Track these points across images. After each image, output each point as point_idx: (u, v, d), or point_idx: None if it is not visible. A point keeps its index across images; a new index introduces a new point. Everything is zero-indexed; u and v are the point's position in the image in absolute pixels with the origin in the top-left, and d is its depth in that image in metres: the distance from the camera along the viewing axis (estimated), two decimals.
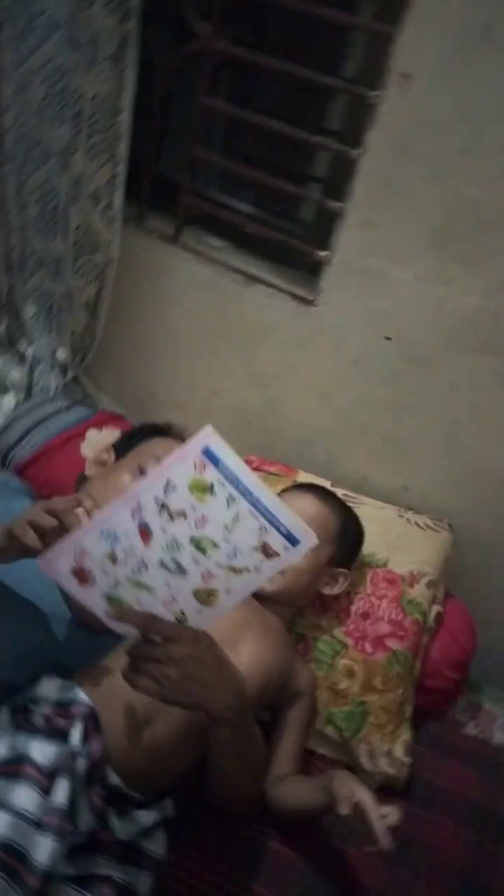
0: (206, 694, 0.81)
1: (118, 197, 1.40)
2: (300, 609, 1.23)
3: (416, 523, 1.39)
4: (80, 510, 0.85)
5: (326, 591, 1.19)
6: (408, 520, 1.39)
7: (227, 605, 0.77)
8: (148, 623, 0.80)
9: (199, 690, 0.81)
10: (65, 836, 0.83)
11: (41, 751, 0.87)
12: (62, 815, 0.83)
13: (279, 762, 1.06)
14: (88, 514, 0.85)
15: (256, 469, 1.48)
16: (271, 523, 0.70)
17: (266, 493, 0.70)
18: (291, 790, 1.03)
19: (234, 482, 0.69)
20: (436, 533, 1.38)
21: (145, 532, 0.74)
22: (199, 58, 1.34)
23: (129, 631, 0.83)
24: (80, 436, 1.54)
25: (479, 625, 1.40)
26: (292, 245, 1.40)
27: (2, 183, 1.50)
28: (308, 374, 1.47)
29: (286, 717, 1.10)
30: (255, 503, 0.70)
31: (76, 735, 0.90)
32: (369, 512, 1.38)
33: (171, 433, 1.34)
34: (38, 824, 0.81)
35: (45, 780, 0.85)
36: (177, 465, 0.70)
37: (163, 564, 0.75)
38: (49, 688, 0.98)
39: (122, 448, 1.32)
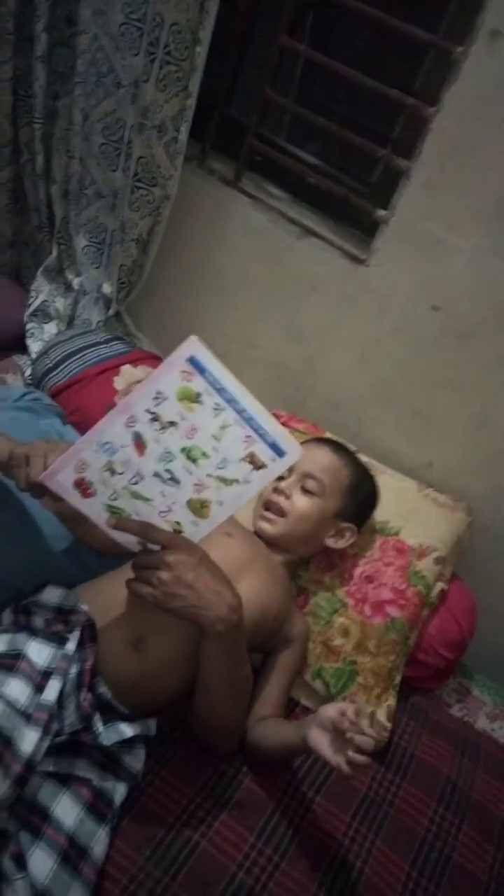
0: (197, 600, 0.84)
1: (184, 131, 1.39)
2: (303, 558, 1.23)
3: (435, 500, 1.38)
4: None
5: (331, 543, 1.19)
6: (426, 495, 1.38)
7: (220, 516, 0.80)
8: (144, 530, 0.83)
9: (190, 595, 0.84)
10: (50, 733, 0.87)
11: (38, 651, 0.93)
12: (50, 713, 0.87)
13: (263, 703, 1.08)
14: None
15: (284, 424, 1.47)
16: (257, 432, 0.72)
17: (252, 403, 0.71)
18: (270, 729, 1.05)
19: (221, 391, 0.71)
20: (452, 512, 1.37)
21: (140, 443, 0.76)
22: None
23: (128, 540, 0.86)
24: (115, 370, 1.56)
25: (483, 613, 1.39)
26: (352, 201, 1.38)
27: (68, 108, 1.50)
28: (349, 336, 1.46)
29: (276, 660, 1.11)
30: (240, 412, 0.72)
31: (73, 641, 0.94)
32: (388, 481, 1.37)
33: None
34: (27, 717, 0.86)
35: (39, 678, 0.90)
36: (165, 375, 0.72)
37: (157, 475, 0.78)
38: (52, 595, 1.02)
39: None
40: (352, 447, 1.43)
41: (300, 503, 1.15)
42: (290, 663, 1.12)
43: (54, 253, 1.71)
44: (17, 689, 0.88)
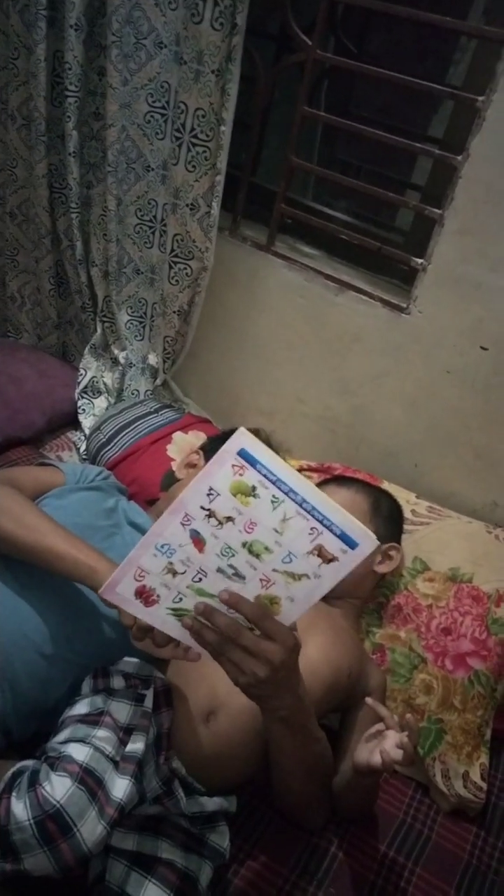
0: (270, 692, 0.79)
1: (216, 206, 1.44)
2: (362, 599, 1.22)
3: None
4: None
5: (382, 569, 1.19)
6: (496, 536, 1.34)
7: (293, 614, 0.75)
8: (258, 615, 0.73)
9: (268, 689, 0.78)
10: (140, 782, 0.87)
11: (118, 710, 0.93)
12: (137, 762, 0.87)
13: (346, 763, 1.05)
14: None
15: (340, 475, 1.47)
16: (322, 524, 0.68)
17: (312, 492, 0.67)
18: (338, 780, 1.02)
19: (276, 482, 0.67)
20: None
21: (198, 540, 0.73)
22: (302, 69, 1.36)
23: (192, 643, 0.80)
24: (167, 438, 1.58)
25: None
26: (387, 253, 1.39)
27: (102, 196, 1.58)
28: (397, 383, 1.46)
29: (355, 718, 1.08)
30: (301, 503, 0.67)
31: (149, 699, 0.95)
32: (455, 525, 1.35)
33: (258, 438, 1.35)
34: (115, 763, 0.87)
35: (122, 733, 0.91)
36: (216, 470, 0.69)
37: (220, 570, 0.74)
38: (128, 665, 1.03)
39: (212, 452, 1.33)
40: (411, 494, 1.42)
41: None
42: (369, 718, 1.09)
43: (99, 330, 1.77)
44: (105, 738, 0.89)
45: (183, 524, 0.72)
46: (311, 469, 1.50)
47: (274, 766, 0.96)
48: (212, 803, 0.96)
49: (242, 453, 0.67)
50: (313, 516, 0.68)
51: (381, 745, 0.87)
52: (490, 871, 1.05)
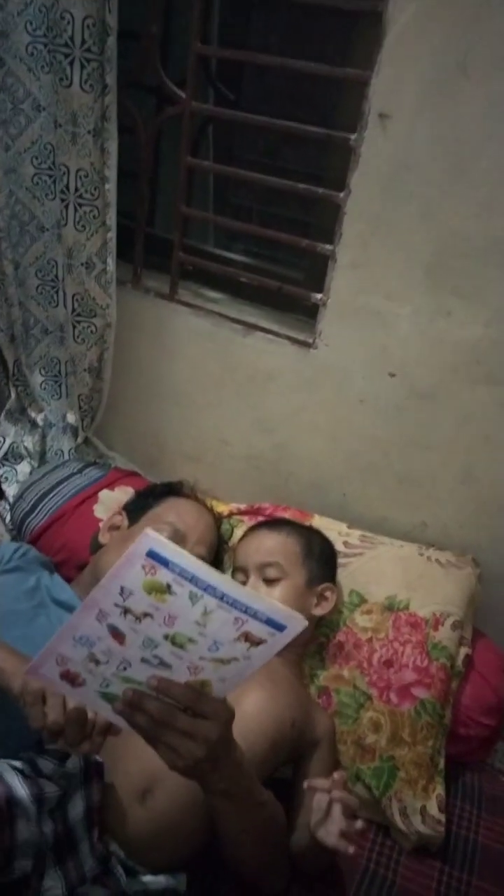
0: (209, 768, 0.76)
1: (111, 262, 1.43)
2: (302, 645, 1.20)
3: (438, 560, 1.34)
4: None
5: (318, 612, 1.17)
6: (428, 557, 1.34)
7: (226, 690, 0.73)
8: (190, 699, 0.71)
9: (208, 766, 0.75)
10: (37, 786, 0.84)
11: (43, 763, 0.90)
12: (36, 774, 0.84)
13: (303, 815, 1.01)
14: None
15: (270, 514, 1.46)
16: (246, 613, 0.66)
17: (231, 586, 0.65)
18: (296, 838, 0.99)
19: (192, 580, 0.65)
20: (459, 570, 1.33)
21: (117, 634, 0.70)
22: (180, 121, 1.38)
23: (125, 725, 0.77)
24: (94, 497, 1.54)
25: None
26: (287, 291, 1.40)
27: None
28: (314, 417, 1.46)
29: (307, 768, 1.05)
30: (221, 597, 0.65)
31: (74, 760, 0.90)
32: (388, 551, 1.35)
33: (182, 492, 1.33)
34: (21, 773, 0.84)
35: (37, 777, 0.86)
36: (125, 571, 0.66)
37: (145, 660, 0.71)
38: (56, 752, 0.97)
39: (135, 511, 1.31)
40: (342, 524, 1.42)
41: (273, 596, 1.13)
42: (321, 766, 1.06)
43: (13, 395, 1.72)
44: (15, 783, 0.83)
45: (98, 620, 0.70)
46: (240, 512, 1.48)
47: (222, 838, 0.92)
48: (157, 882, 0.91)
49: (151, 554, 0.65)
50: (236, 608, 0.66)
51: (338, 827, 0.85)
52: None
